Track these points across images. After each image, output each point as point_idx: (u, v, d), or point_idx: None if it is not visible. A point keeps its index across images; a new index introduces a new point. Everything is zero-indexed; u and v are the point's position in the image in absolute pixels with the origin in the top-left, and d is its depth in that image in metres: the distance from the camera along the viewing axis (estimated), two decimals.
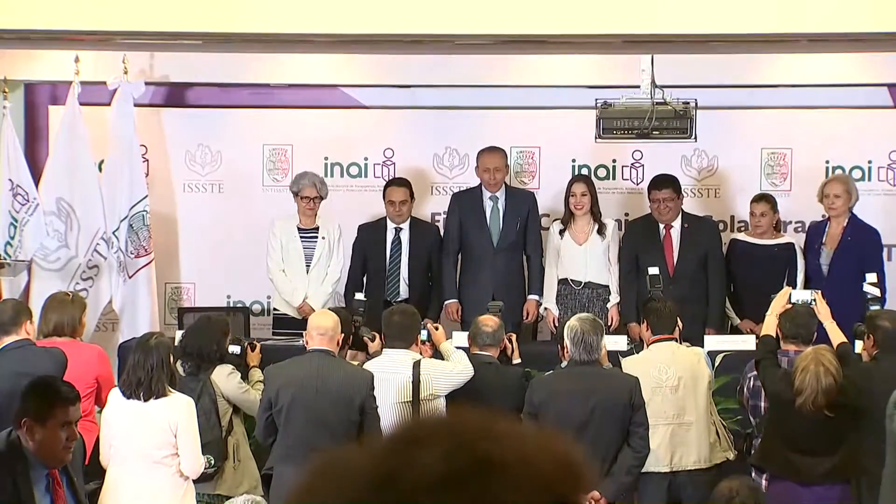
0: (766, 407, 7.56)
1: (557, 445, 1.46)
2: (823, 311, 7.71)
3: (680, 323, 7.78)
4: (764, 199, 9.86)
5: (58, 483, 5.44)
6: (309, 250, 9.98)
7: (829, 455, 7.06)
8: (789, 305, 7.82)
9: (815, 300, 7.79)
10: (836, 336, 7.49)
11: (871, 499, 7.25)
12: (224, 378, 7.77)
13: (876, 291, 8.54)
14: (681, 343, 7.83)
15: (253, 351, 8.16)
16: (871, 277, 8.64)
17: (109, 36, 9.07)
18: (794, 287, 9.25)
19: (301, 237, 9.97)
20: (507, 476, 1.41)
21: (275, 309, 10.23)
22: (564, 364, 7.60)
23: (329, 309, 8.55)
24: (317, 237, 9.98)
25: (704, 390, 7.66)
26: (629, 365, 7.63)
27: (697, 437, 7.61)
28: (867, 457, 7.28)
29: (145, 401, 6.97)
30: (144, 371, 6.98)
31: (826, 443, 7.06)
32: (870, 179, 10.54)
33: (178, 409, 7.03)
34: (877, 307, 8.25)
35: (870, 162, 10.61)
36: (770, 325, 7.57)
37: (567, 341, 7.18)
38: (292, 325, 9.77)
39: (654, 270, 8.93)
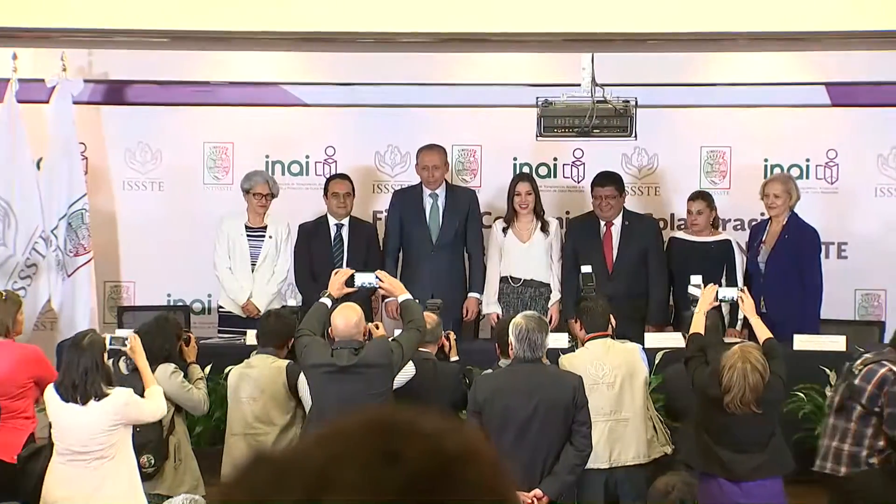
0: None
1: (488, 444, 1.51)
2: (748, 307, 7.77)
3: (613, 320, 7.79)
4: (700, 196, 9.91)
5: None
6: (255, 249, 9.95)
7: (759, 451, 7.08)
8: (716, 303, 7.86)
9: (740, 297, 7.85)
10: (762, 332, 7.54)
11: None
12: (166, 377, 7.68)
13: (698, 293, 8.59)
14: (615, 339, 7.85)
15: (188, 345, 8.02)
16: (696, 279, 8.69)
17: (48, 33, 8.94)
18: (735, 283, 9.36)
19: (248, 236, 9.94)
20: (481, 465, 1.46)
21: (219, 307, 10.18)
22: (502, 362, 7.60)
23: (274, 311, 8.55)
24: (264, 236, 9.95)
25: (641, 386, 7.68)
26: (566, 362, 7.62)
27: (635, 433, 7.62)
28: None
29: (83, 404, 6.89)
30: (78, 374, 6.87)
31: (755, 439, 7.07)
32: (808, 178, 10.61)
33: (120, 405, 6.93)
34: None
35: (808, 160, 10.69)
36: (699, 323, 7.60)
37: (512, 338, 7.15)
38: (237, 323, 9.73)
39: (586, 269, 8.97)
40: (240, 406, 7.88)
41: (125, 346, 7.48)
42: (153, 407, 7.15)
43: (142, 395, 7.29)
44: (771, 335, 7.47)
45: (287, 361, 7.90)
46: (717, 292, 7.81)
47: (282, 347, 8.00)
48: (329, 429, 1.49)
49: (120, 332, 7.79)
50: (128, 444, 7.05)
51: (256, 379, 7.85)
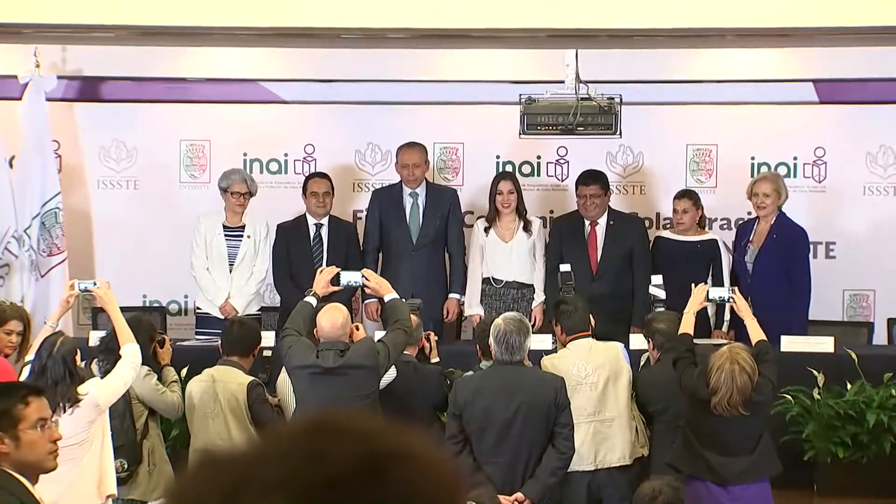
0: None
1: (443, 448, 1.53)
2: (742, 308, 7.67)
3: (592, 320, 7.72)
4: (686, 195, 9.83)
5: None
6: (233, 249, 9.85)
7: (746, 454, 7.02)
8: (707, 303, 7.78)
9: (732, 297, 7.74)
10: (756, 333, 7.45)
11: None
12: (139, 380, 7.51)
13: (661, 293, 8.51)
14: (596, 339, 7.79)
15: (162, 347, 7.87)
16: (657, 279, 8.61)
17: (20, 28, 8.95)
18: (722, 283, 9.31)
19: (225, 235, 9.84)
20: (416, 468, 1.46)
21: (197, 308, 10.05)
22: (483, 364, 7.53)
23: (238, 319, 8.40)
24: (242, 236, 9.84)
25: (625, 385, 7.61)
26: (548, 363, 7.56)
27: (621, 434, 7.57)
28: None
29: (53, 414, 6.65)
30: (47, 386, 6.57)
31: (742, 442, 7.02)
32: (795, 176, 10.54)
33: (92, 405, 6.69)
34: (661, 309, 8.26)
35: (795, 158, 10.62)
36: (688, 323, 7.51)
37: (491, 340, 7.10)
38: (215, 324, 9.56)
39: (565, 268, 8.88)
40: (202, 421, 7.74)
41: (92, 290, 7.42)
42: (123, 378, 6.90)
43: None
44: (764, 337, 7.40)
45: (250, 379, 7.76)
46: (707, 292, 7.70)
47: (246, 356, 7.85)
48: (270, 430, 1.53)
49: (87, 282, 7.63)
50: (106, 428, 6.85)
51: (218, 394, 7.70)
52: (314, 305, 7.52)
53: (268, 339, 8.57)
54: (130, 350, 7.03)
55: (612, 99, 9.19)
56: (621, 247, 9.70)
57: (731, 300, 7.74)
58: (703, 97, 10.55)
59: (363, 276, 7.83)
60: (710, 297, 7.77)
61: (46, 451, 4.73)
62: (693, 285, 7.81)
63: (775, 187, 9.60)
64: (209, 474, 1.46)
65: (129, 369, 6.96)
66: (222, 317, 9.57)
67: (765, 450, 7.08)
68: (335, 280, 7.72)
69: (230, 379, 7.72)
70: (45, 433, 4.73)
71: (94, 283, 7.49)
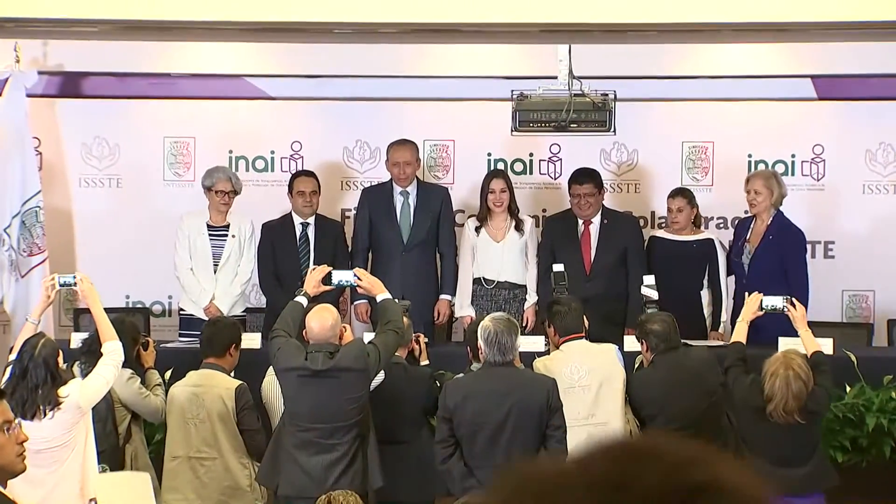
0: None
1: (758, 479, 1.50)
2: (798, 318, 7.57)
3: (586, 321, 7.67)
4: (680, 193, 9.72)
5: None
6: (217, 249, 9.73)
7: (802, 465, 6.98)
8: (760, 312, 7.70)
9: (787, 306, 7.64)
10: (811, 344, 7.42)
11: None
12: (122, 383, 7.44)
13: (653, 294, 8.42)
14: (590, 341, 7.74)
15: (146, 350, 7.76)
16: (649, 280, 8.50)
17: (0, 23, 8.79)
18: (718, 284, 9.29)
19: (210, 235, 9.72)
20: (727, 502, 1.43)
21: (181, 309, 9.92)
22: (474, 366, 7.45)
23: (213, 319, 8.39)
24: (226, 235, 9.72)
25: (619, 389, 7.55)
26: (540, 365, 7.50)
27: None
28: None
29: (33, 419, 6.45)
30: (28, 390, 6.49)
31: (797, 452, 6.97)
32: (793, 174, 10.44)
33: (74, 406, 6.55)
34: (654, 309, 8.22)
35: (793, 156, 10.52)
36: (741, 332, 7.50)
37: (481, 342, 7.02)
38: (199, 326, 9.40)
39: (558, 268, 8.82)
40: (183, 427, 7.59)
41: (73, 285, 7.36)
42: (104, 377, 6.76)
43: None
44: (820, 348, 7.40)
45: (238, 384, 7.63)
46: (761, 301, 7.67)
47: (221, 356, 7.71)
48: (578, 453, 1.53)
49: (67, 276, 7.54)
50: (89, 431, 6.74)
51: (204, 400, 7.56)
52: (305, 305, 7.42)
53: (252, 341, 8.47)
54: (112, 347, 6.90)
55: (606, 95, 9.13)
56: (615, 246, 9.58)
57: (787, 309, 7.64)
58: (699, 93, 10.45)
59: (355, 275, 7.70)
60: (764, 305, 7.69)
61: (14, 453, 4.60)
62: (748, 295, 7.73)
63: (767, 185, 9.47)
64: (513, 491, 1.48)
65: (111, 367, 6.82)
66: (207, 318, 9.42)
67: (820, 460, 7.06)
68: (327, 279, 7.61)
69: (215, 384, 7.57)
70: (10, 436, 4.59)
71: (74, 277, 7.32)
